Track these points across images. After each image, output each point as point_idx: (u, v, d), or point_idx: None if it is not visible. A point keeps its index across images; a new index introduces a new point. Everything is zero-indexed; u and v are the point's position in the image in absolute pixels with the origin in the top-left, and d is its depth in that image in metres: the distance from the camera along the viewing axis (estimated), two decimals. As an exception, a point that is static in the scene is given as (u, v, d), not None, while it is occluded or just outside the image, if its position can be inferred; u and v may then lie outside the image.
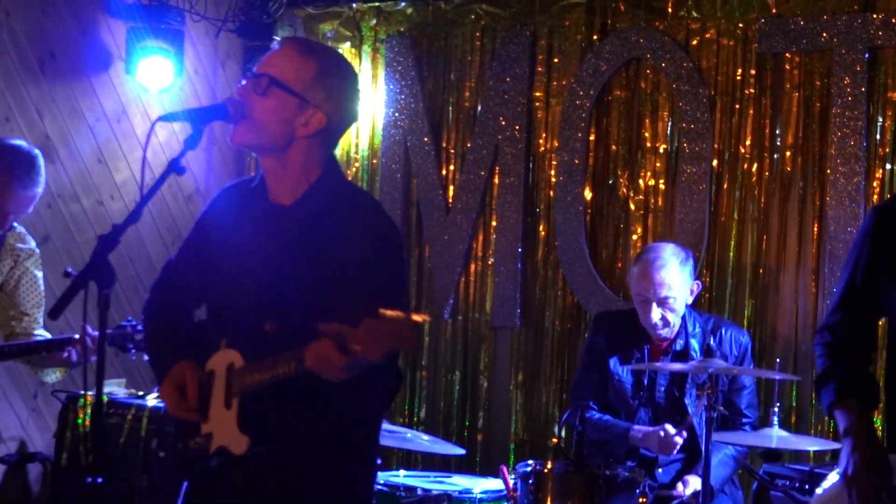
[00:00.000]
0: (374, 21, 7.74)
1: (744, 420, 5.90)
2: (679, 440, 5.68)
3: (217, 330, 3.75)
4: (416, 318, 3.14)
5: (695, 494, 5.58)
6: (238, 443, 3.59)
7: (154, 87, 7.42)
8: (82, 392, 6.31)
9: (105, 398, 6.44)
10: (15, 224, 5.51)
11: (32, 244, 5.58)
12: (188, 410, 3.69)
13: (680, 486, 5.74)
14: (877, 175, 6.21)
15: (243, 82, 3.66)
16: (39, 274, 5.54)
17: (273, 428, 3.61)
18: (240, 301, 3.69)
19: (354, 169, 7.78)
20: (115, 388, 6.75)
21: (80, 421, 6.48)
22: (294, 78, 3.62)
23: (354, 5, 7.74)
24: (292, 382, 3.47)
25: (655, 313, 5.88)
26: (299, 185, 3.70)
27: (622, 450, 5.90)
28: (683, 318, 5.98)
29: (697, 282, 6.08)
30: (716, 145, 6.63)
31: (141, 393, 6.69)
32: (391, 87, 7.58)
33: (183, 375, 3.70)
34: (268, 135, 3.64)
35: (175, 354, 3.77)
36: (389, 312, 3.13)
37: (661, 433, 5.73)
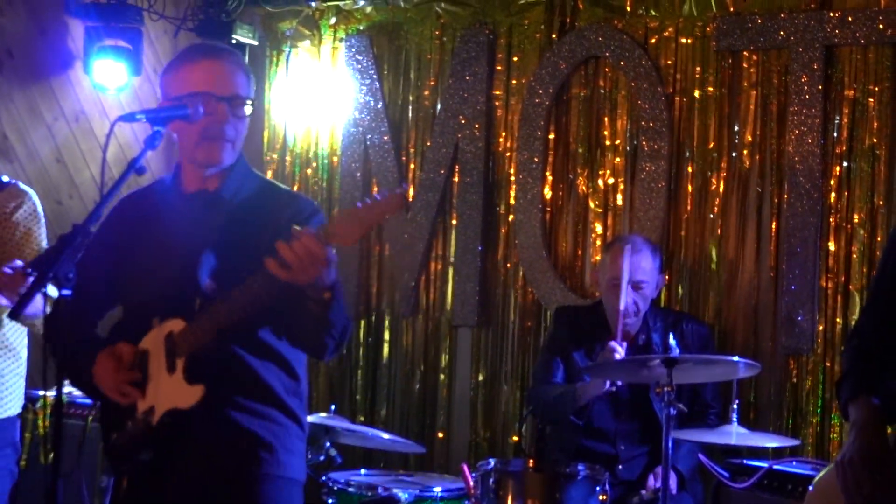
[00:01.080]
0: (334, 20, 7.73)
1: (710, 411, 5.95)
2: (618, 346, 5.71)
3: (143, 319, 3.78)
4: (392, 193, 3.36)
5: (655, 490, 5.60)
6: (190, 395, 3.65)
7: (112, 86, 7.40)
8: (41, 393, 6.28)
9: (64, 398, 6.40)
10: None
11: None
12: (127, 374, 3.73)
13: (651, 479, 5.76)
14: (834, 172, 6.24)
15: (219, 104, 3.74)
16: None
17: (223, 372, 3.69)
18: (171, 281, 3.73)
19: (313, 168, 7.77)
20: (73, 388, 6.70)
21: (39, 422, 6.45)
22: (249, 91, 3.81)
23: (313, 4, 7.73)
24: (243, 327, 3.60)
25: (629, 297, 5.88)
26: (220, 173, 3.83)
27: (569, 409, 5.88)
28: (645, 313, 6.01)
29: (663, 276, 6.12)
30: (674, 143, 6.66)
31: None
32: (350, 86, 7.57)
33: (115, 350, 3.76)
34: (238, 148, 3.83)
35: (97, 349, 3.82)
36: (363, 202, 3.34)
37: (603, 351, 5.77)
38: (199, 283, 3.68)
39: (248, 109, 3.79)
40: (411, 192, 7.40)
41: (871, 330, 3.81)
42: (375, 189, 7.51)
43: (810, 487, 4.00)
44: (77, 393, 6.65)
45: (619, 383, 5.76)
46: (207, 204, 3.80)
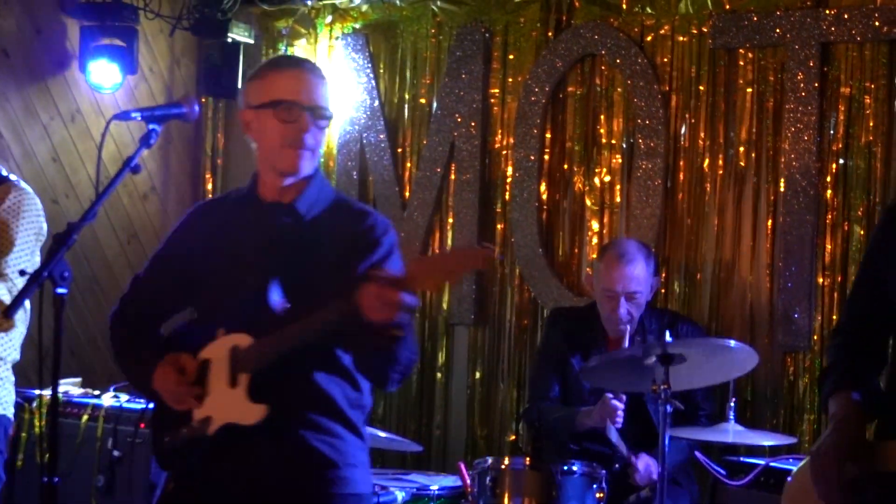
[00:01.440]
0: (330, 18, 7.73)
1: (700, 412, 5.92)
2: (619, 404, 5.69)
3: (208, 327, 3.79)
4: (477, 248, 3.38)
5: (652, 487, 5.60)
6: (252, 413, 3.66)
7: (108, 85, 7.39)
8: (37, 392, 6.28)
9: (60, 398, 6.40)
10: None
11: None
12: (189, 388, 3.74)
13: (635, 461, 5.75)
14: (831, 169, 6.24)
15: (303, 113, 3.80)
16: None
17: (288, 390, 3.69)
18: (240, 294, 3.75)
19: (310, 166, 7.77)
20: (71, 388, 6.71)
21: (35, 422, 6.45)
22: (329, 104, 3.90)
23: (309, 2, 7.73)
24: (309, 350, 3.60)
25: (622, 308, 5.89)
26: (297, 185, 3.85)
27: (566, 434, 5.90)
28: (641, 315, 6.01)
29: (657, 279, 6.12)
30: (670, 141, 6.66)
31: (97, 392, 6.65)
32: (347, 83, 7.57)
33: (177, 359, 3.76)
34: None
35: (156, 354, 3.83)
36: (444, 252, 3.36)
37: (600, 406, 5.76)
38: (269, 301, 3.69)
39: (328, 121, 3.87)
40: (407, 189, 7.41)
41: (854, 326, 3.83)
42: (371, 190, 7.51)
43: (789, 479, 4.02)
44: (73, 392, 6.68)
45: (619, 423, 5.74)
46: (282, 216, 3.82)
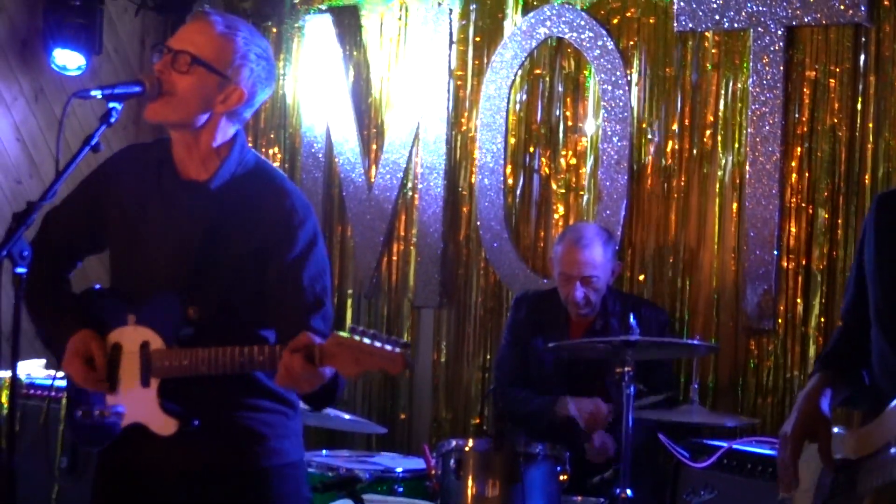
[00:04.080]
0: (295, -1, 7.72)
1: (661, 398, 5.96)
2: (608, 415, 5.74)
3: (122, 303, 3.71)
4: (397, 352, 3.25)
5: (616, 470, 5.61)
6: (164, 425, 3.60)
7: (72, 65, 7.35)
8: (-1, 374, 6.25)
9: (23, 379, 6.37)
10: None
11: None
12: (98, 382, 3.67)
13: (595, 438, 5.80)
14: (795, 154, 6.25)
15: (159, 57, 3.64)
16: None
17: (202, 410, 3.62)
18: (154, 278, 3.66)
19: (276, 148, 7.75)
20: (33, 369, 6.68)
21: (-2, 402, 6.42)
22: (215, 55, 3.61)
23: (275, -18, 7.71)
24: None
25: (579, 292, 5.93)
26: (210, 160, 3.70)
27: (544, 422, 5.94)
28: (604, 297, 6.04)
29: (619, 262, 6.14)
30: (636, 124, 6.66)
31: (60, 374, 6.61)
32: (313, 65, 7.55)
33: (88, 347, 3.67)
34: (186, 111, 3.63)
35: (69, 324, 3.73)
36: (368, 343, 3.25)
37: (594, 406, 5.79)
38: (182, 302, 3.61)
39: (193, 67, 3.62)
40: (373, 171, 7.39)
41: (847, 315, 3.84)
42: (337, 171, 7.49)
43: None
44: (36, 374, 6.64)
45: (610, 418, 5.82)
46: (201, 195, 3.68)
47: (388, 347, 3.24)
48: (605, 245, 6.01)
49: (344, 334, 3.30)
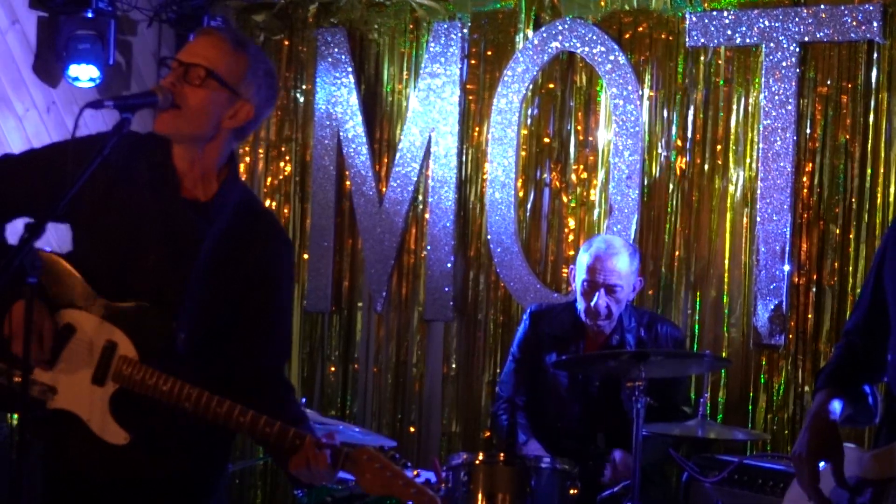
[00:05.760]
0: (307, 12, 7.71)
1: (680, 415, 5.93)
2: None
3: (89, 289, 3.65)
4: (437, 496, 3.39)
5: (625, 487, 5.59)
6: (114, 433, 3.57)
7: (84, 77, 7.36)
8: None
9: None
10: None
11: None
12: (39, 354, 3.57)
13: (608, 469, 5.76)
14: (806, 169, 6.25)
15: (167, 71, 3.64)
16: None
17: (150, 422, 3.61)
18: (139, 287, 3.63)
19: (286, 161, 7.75)
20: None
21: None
22: (227, 70, 3.63)
23: (287, -4, 7.72)
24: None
25: (602, 300, 5.90)
26: (210, 178, 3.71)
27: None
28: (620, 313, 6.02)
29: (640, 279, 6.12)
30: (647, 139, 6.66)
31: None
32: (324, 79, 7.55)
33: (38, 324, 3.53)
34: (197, 124, 3.64)
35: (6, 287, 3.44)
36: (406, 474, 3.39)
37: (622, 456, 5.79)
38: (167, 320, 3.60)
39: (202, 80, 3.62)
40: (384, 185, 7.39)
41: (856, 329, 3.82)
42: (348, 184, 7.48)
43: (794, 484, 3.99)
44: None
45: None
46: (199, 215, 3.67)
47: (424, 493, 3.34)
48: (632, 257, 6.00)
49: (374, 450, 3.39)
